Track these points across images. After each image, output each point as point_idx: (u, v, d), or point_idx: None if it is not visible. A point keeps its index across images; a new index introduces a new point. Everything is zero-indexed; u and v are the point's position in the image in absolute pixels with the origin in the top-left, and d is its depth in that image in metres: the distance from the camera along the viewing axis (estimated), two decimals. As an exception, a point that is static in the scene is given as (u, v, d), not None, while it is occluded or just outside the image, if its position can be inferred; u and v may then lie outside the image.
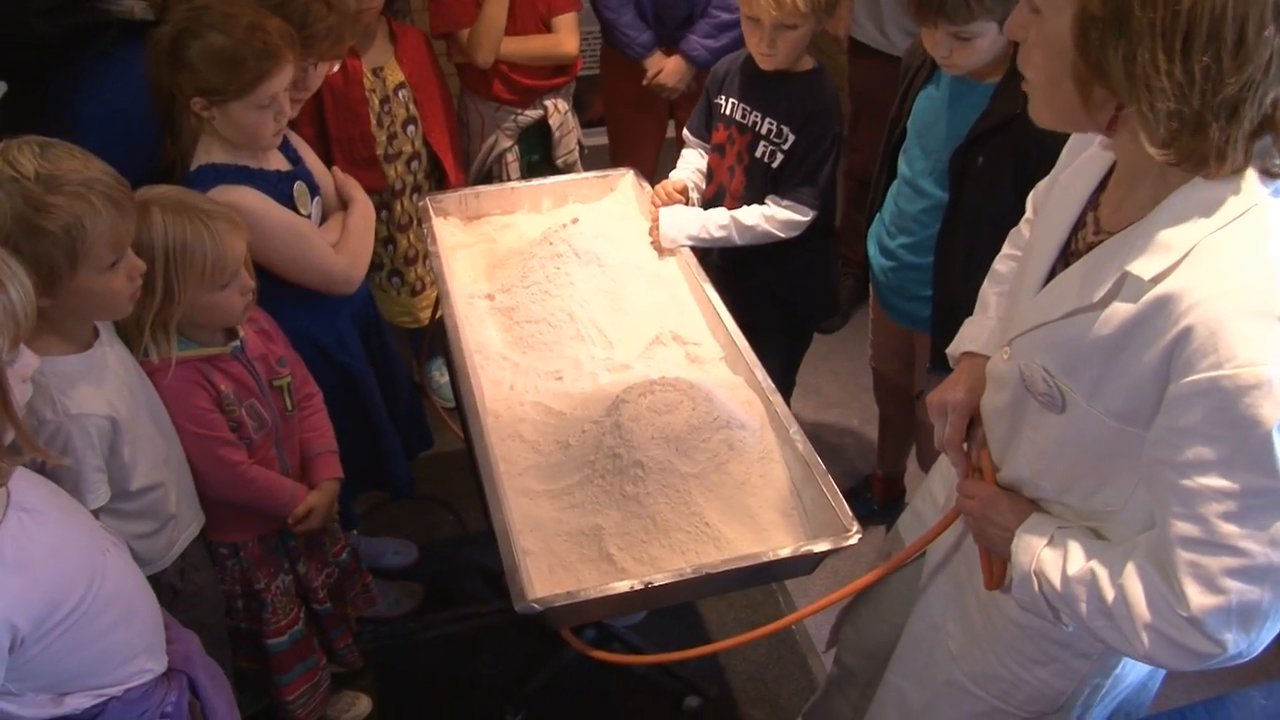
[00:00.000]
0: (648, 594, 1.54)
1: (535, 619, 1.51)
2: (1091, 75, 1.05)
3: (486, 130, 2.99)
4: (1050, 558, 1.23)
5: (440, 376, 3.35)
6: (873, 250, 2.36)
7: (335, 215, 2.12)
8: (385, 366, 2.30)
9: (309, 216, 2.00)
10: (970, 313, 1.59)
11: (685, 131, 2.60)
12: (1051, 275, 1.28)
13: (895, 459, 2.95)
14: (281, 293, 1.97)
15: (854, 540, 1.61)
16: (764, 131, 2.32)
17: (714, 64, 2.49)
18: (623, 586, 1.53)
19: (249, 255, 1.76)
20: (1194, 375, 1.03)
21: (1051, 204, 1.35)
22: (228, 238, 1.67)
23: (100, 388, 1.53)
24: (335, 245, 2.03)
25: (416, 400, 2.48)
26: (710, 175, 2.53)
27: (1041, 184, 1.49)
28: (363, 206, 2.13)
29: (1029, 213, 1.52)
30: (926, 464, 2.59)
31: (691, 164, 2.56)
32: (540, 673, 2.43)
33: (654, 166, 3.33)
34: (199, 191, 1.76)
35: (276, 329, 1.94)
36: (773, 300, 2.49)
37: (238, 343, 1.80)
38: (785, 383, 2.64)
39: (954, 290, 2.02)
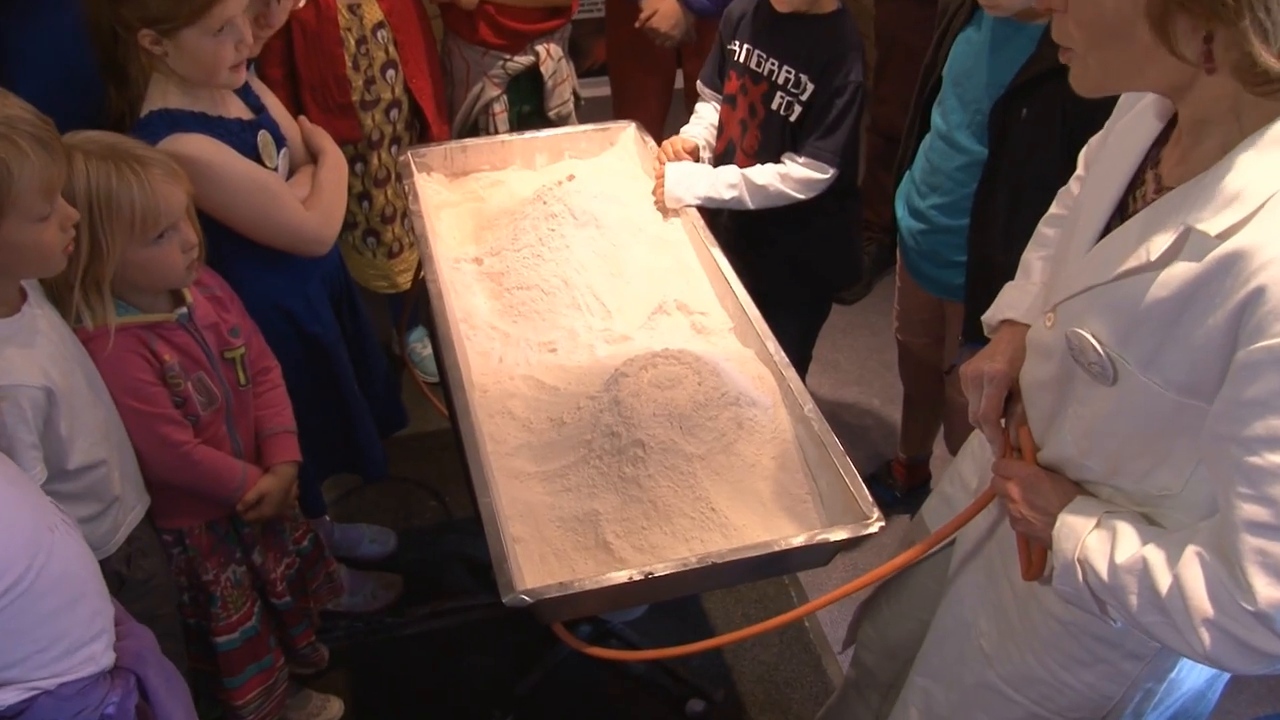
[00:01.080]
0: (648, 585, 1.52)
1: (525, 612, 1.49)
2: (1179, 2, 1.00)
3: (472, 78, 2.95)
4: (1097, 544, 1.21)
5: (422, 348, 3.32)
6: (901, 212, 2.33)
7: (304, 169, 2.09)
8: (357, 337, 2.27)
9: (275, 170, 1.97)
10: (1010, 280, 1.56)
11: (699, 83, 2.57)
12: (1104, 235, 1.25)
13: (920, 442, 2.93)
14: (245, 254, 1.94)
15: (874, 529, 1.59)
16: (780, 81, 2.28)
17: (713, 12, 2.45)
18: (621, 577, 1.51)
19: (192, 208, 1.72)
20: (1266, 341, 1.00)
21: (1105, 158, 1.31)
22: (161, 185, 1.62)
23: (32, 354, 1.49)
24: (305, 201, 2.00)
25: (392, 374, 2.46)
26: (720, 129, 2.49)
27: (1095, 138, 1.45)
28: (334, 158, 2.10)
29: (1080, 169, 1.49)
30: (956, 447, 2.55)
31: (706, 119, 2.53)
32: (531, 673, 2.42)
33: (660, 125, 3.28)
34: (149, 141, 1.72)
35: (231, 294, 1.90)
36: (788, 267, 2.46)
37: (184, 309, 1.76)
38: (801, 357, 2.62)
39: (992, 256, 1.99)
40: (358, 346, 2.28)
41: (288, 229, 1.95)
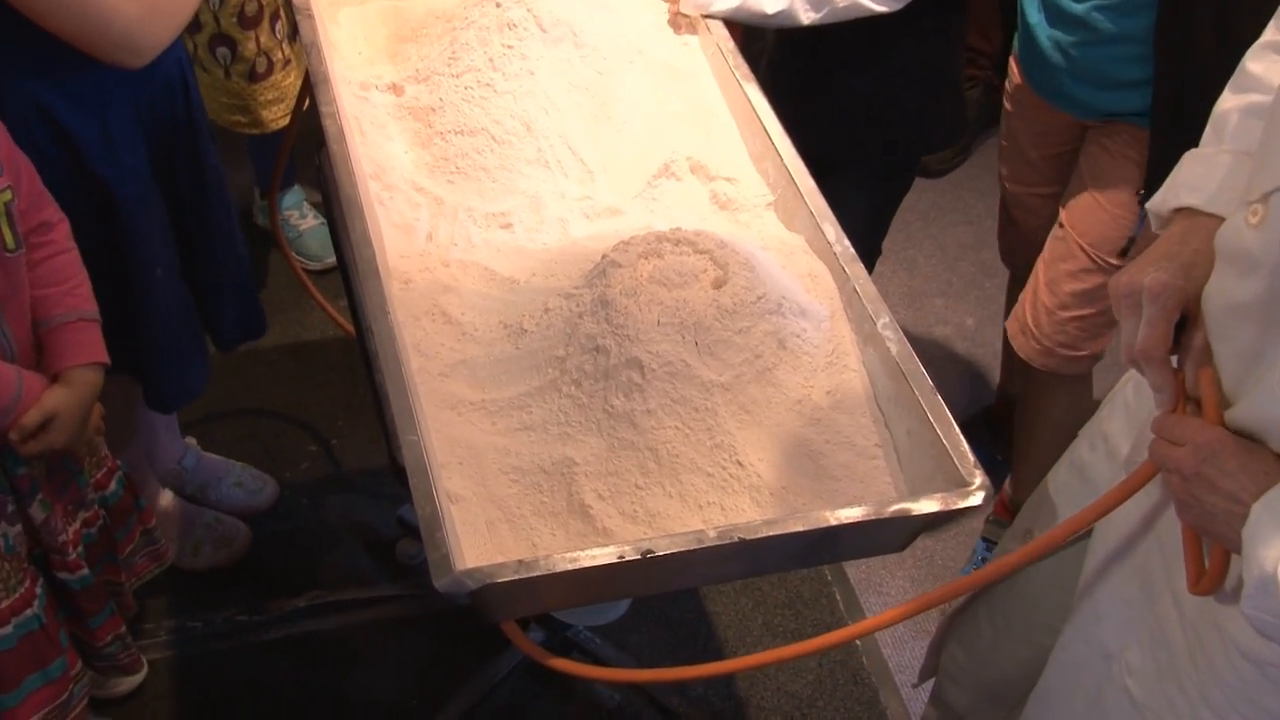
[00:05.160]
0: (645, 569, 1.54)
1: (460, 608, 1.51)
2: None
3: None
4: None
5: (301, 220, 3.34)
6: (1035, 17, 2.35)
7: None
8: (197, 199, 2.26)
9: None
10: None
11: None
12: None
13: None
14: (11, 34, 1.89)
15: (977, 499, 1.60)
16: None
17: None
18: (607, 556, 1.51)
19: None
20: None
21: None
22: None
23: None
24: None
25: (242, 263, 2.44)
26: None
27: None
28: None
29: None
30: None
31: None
32: (453, 700, 2.44)
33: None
34: None
35: None
36: (858, 116, 2.48)
37: None
38: (868, 250, 2.62)
39: (1195, 69, 2.00)
40: (197, 214, 2.27)
41: (80, 14, 1.88)
